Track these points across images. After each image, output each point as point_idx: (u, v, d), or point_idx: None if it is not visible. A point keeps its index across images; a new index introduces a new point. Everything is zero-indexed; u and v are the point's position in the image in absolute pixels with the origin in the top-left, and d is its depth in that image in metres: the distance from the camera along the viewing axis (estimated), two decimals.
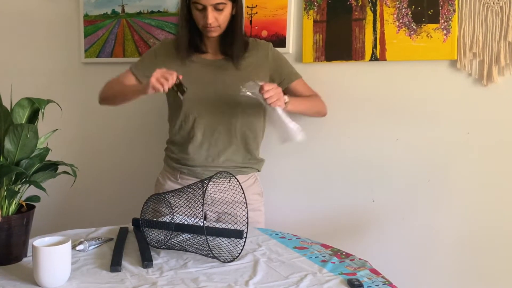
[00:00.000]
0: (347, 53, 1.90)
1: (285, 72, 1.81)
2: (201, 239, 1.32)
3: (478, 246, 1.80)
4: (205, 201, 1.58)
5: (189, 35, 1.74)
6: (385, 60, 1.85)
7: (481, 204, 1.79)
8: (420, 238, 1.88)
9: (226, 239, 1.45)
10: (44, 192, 1.28)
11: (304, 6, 1.96)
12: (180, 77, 1.55)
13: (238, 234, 1.44)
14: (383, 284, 1.16)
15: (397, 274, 1.41)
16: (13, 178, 1.27)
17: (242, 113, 1.75)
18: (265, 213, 1.87)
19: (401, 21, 1.82)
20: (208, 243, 1.23)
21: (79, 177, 1.39)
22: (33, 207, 1.34)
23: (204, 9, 1.64)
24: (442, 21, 1.76)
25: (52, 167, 1.36)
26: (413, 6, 1.80)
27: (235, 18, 1.72)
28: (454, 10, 1.74)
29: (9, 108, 1.27)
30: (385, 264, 1.46)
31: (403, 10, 1.81)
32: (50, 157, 1.35)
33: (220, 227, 1.54)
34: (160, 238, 1.38)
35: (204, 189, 1.29)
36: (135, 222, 1.54)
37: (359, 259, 1.32)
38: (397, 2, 1.82)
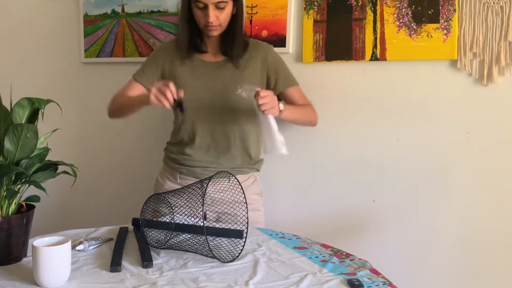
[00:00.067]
0: (347, 53, 1.90)
1: (282, 76, 1.80)
2: (201, 239, 1.32)
3: (478, 246, 1.80)
4: (204, 201, 1.58)
5: (189, 35, 1.74)
6: (385, 60, 1.85)
7: (481, 204, 1.79)
8: (420, 238, 1.88)
9: (226, 239, 1.45)
10: (44, 192, 1.28)
11: (304, 6, 1.96)
12: (181, 95, 1.54)
13: (238, 234, 1.44)
14: (383, 284, 1.15)
15: (397, 274, 1.41)
16: (13, 178, 1.26)
17: (242, 114, 1.74)
18: (265, 213, 1.87)
19: (401, 20, 1.81)
20: (208, 243, 1.23)
21: (79, 177, 1.39)
22: (33, 207, 1.34)
23: (205, 7, 1.65)
24: (442, 21, 1.76)
25: (52, 167, 1.36)
26: (413, 6, 1.80)
27: (236, 18, 1.73)
28: (455, 10, 1.74)
29: (9, 108, 1.27)
30: (385, 264, 1.46)
31: (403, 9, 1.81)
32: (50, 157, 1.35)
33: (220, 227, 1.54)
34: (160, 238, 1.38)
35: (204, 189, 1.29)
36: (135, 222, 1.54)
37: (359, 259, 1.32)
38: (397, 2, 1.82)
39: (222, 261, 1.27)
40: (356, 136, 1.94)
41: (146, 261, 1.26)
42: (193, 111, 1.72)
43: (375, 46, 1.86)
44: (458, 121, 1.79)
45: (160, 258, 1.32)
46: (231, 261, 1.28)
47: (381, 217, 1.92)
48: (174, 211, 1.45)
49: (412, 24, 1.80)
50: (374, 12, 1.85)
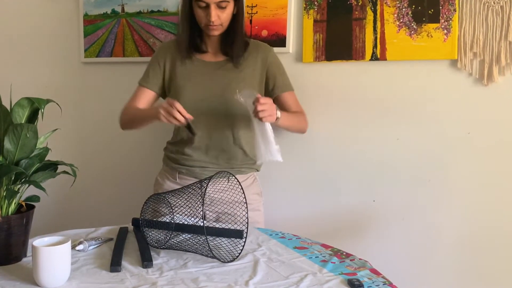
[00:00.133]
0: (348, 52, 1.90)
1: (280, 80, 1.80)
2: (201, 239, 1.32)
3: (478, 246, 1.80)
4: (204, 201, 1.58)
5: (190, 35, 1.74)
6: (386, 59, 1.85)
7: (481, 204, 1.79)
8: (420, 238, 1.88)
9: (226, 239, 1.44)
10: (43, 192, 1.27)
11: (304, 5, 1.96)
12: (190, 118, 1.55)
13: (238, 234, 1.44)
14: (383, 284, 1.15)
15: (397, 274, 1.41)
16: (13, 178, 1.26)
17: (242, 114, 1.74)
18: (264, 213, 1.87)
19: (401, 20, 1.81)
20: (208, 243, 1.23)
21: (79, 177, 1.39)
22: (33, 207, 1.34)
23: (207, 7, 1.65)
24: (443, 21, 1.76)
25: (52, 167, 1.35)
26: (413, 6, 1.80)
27: (237, 17, 1.73)
28: (455, 10, 1.74)
29: (8, 108, 1.27)
30: (385, 264, 1.46)
31: (404, 9, 1.81)
32: (50, 157, 1.35)
33: (220, 227, 1.54)
34: (160, 238, 1.38)
35: (204, 189, 1.29)
36: (135, 222, 1.53)
37: (359, 259, 1.32)
38: (398, 2, 1.82)
39: (222, 261, 1.27)
40: (356, 136, 1.94)
41: (146, 261, 1.26)
42: (192, 111, 1.72)
43: (375, 46, 1.86)
44: (458, 121, 1.79)
45: (160, 258, 1.31)
46: (231, 261, 1.28)
47: (381, 217, 1.92)
48: (174, 211, 1.45)
49: (412, 24, 1.80)
50: (374, 12, 1.85)
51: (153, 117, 1.63)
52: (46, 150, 1.32)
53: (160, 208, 1.53)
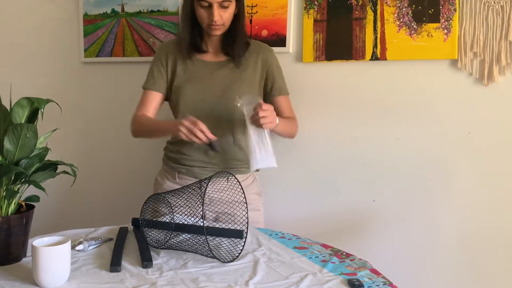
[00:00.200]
0: (348, 52, 1.90)
1: (278, 83, 1.80)
2: (201, 239, 1.32)
3: (478, 246, 1.80)
4: (204, 201, 1.58)
5: (191, 34, 1.74)
6: (386, 59, 1.85)
7: (481, 204, 1.79)
8: (420, 238, 1.88)
9: (226, 239, 1.44)
10: (43, 192, 1.27)
11: (304, 5, 1.96)
12: (214, 139, 1.55)
13: (238, 234, 1.44)
14: (383, 284, 1.15)
15: (397, 274, 1.40)
16: (13, 178, 1.26)
17: (242, 114, 1.74)
18: (264, 213, 1.87)
19: (401, 20, 1.81)
20: (208, 243, 1.23)
21: (79, 177, 1.39)
22: (33, 207, 1.34)
23: (210, 6, 1.65)
24: (443, 21, 1.76)
25: (52, 167, 1.35)
26: (413, 6, 1.79)
27: (238, 17, 1.73)
28: (455, 10, 1.74)
29: (8, 108, 1.27)
30: (385, 264, 1.46)
31: (404, 9, 1.81)
32: (50, 156, 1.35)
33: (220, 227, 1.54)
34: (159, 238, 1.38)
35: (204, 189, 1.29)
36: (135, 222, 1.53)
37: (359, 259, 1.32)
38: (398, 1, 1.81)
39: (222, 261, 1.26)
40: (356, 136, 1.94)
41: (146, 261, 1.26)
42: (192, 111, 1.72)
43: (375, 46, 1.86)
44: (459, 121, 1.79)
45: (160, 258, 1.31)
46: (231, 261, 1.28)
47: (381, 217, 1.92)
48: (173, 211, 1.45)
49: (413, 24, 1.80)
50: (375, 12, 1.85)
51: (172, 132, 1.64)
52: (46, 150, 1.32)
53: (160, 208, 1.53)
